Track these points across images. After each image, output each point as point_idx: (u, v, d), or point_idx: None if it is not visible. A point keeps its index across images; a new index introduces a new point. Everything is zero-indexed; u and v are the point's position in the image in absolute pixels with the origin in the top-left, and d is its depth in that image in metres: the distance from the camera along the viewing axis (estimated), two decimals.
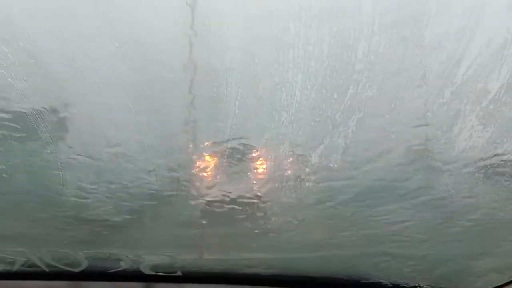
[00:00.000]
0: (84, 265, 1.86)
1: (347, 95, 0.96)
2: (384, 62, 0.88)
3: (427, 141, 1.06)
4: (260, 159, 1.19)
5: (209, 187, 1.39)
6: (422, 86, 0.94)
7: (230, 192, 1.39)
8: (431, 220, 1.41)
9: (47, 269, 1.87)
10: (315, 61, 0.88)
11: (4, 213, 1.49)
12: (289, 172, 1.22)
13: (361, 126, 1.04)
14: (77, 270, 1.88)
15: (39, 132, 1.16)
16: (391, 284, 1.85)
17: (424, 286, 1.76)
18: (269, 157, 1.18)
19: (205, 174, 1.35)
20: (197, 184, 1.39)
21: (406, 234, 1.49)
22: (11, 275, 1.88)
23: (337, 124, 1.04)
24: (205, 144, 1.20)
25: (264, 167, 1.22)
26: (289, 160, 1.18)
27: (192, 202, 1.46)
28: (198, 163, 1.30)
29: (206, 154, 1.26)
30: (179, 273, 1.92)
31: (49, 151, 1.23)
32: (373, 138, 1.08)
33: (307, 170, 1.21)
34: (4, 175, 1.28)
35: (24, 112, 1.08)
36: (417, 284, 1.79)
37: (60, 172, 1.30)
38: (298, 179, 1.25)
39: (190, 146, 1.21)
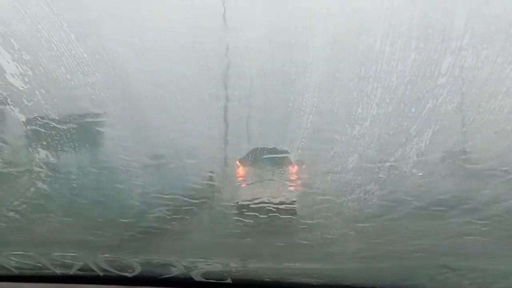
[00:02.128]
0: (137, 270, 1.89)
1: (426, 109, 0.95)
2: (468, 76, 0.87)
3: (503, 157, 1.04)
4: (327, 171, 1.19)
5: (266, 197, 1.39)
6: (504, 100, 0.92)
7: (290, 203, 1.40)
8: (495, 234, 1.38)
9: (101, 274, 1.91)
10: (396, 76, 0.88)
11: (69, 221, 1.54)
12: (355, 184, 1.22)
13: (436, 139, 1.03)
14: (130, 275, 1.92)
15: (108, 142, 1.20)
16: None
17: None
18: (335, 169, 1.18)
19: (264, 184, 1.36)
20: (252, 193, 1.40)
21: (468, 247, 1.46)
22: (68, 278, 1.93)
23: (411, 137, 1.03)
24: (270, 156, 1.21)
25: (329, 179, 1.22)
26: (356, 173, 1.17)
27: (245, 212, 1.47)
28: (258, 174, 1.31)
29: (269, 166, 1.27)
30: (229, 281, 1.93)
31: (117, 161, 1.26)
32: (446, 150, 1.07)
33: (374, 182, 1.20)
34: (74, 184, 1.33)
35: (96, 121, 1.12)
36: None
37: (126, 180, 1.33)
38: (363, 192, 1.24)
39: (253, 155, 1.23)
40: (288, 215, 1.44)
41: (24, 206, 1.43)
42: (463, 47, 0.80)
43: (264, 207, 1.43)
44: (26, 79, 0.91)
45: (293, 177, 1.26)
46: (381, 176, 1.17)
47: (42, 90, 0.93)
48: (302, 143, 1.09)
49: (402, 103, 0.93)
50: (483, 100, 0.91)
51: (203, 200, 1.41)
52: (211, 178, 1.34)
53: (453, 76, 0.86)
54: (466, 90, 0.89)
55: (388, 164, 1.12)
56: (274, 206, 1.41)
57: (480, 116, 0.96)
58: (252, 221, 1.51)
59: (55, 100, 0.97)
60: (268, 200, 1.40)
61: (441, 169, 1.12)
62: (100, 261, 1.84)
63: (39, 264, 1.83)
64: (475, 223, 1.27)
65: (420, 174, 1.15)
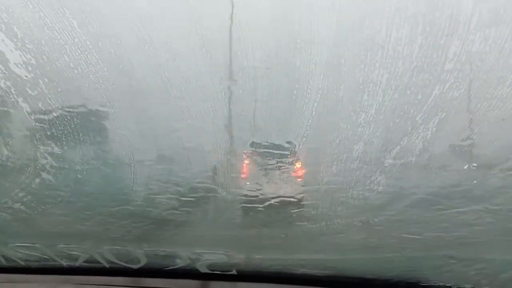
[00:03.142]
0: (143, 262, 1.90)
1: (432, 95, 0.94)
2: (476, 61, 0.85)
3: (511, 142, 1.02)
4: (332, 159, 1.18)
5: (272, 188, 1.39)
6: None
7: (294, 194, 1.39)
8: (503, 224, 1.37)
9: (107, 265, 1.92)
10: (403, 62, 0.87)
11: (74, 212, 1.54)
12: (360, 173, 1.21)
13: (442, 126, 1.02)
14: (136, 266, 1.93)
15: (113, 132, 1.19)
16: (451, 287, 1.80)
17: None
18: (341, 158, 1.17)
19: (269, 175, 1.35)
20: (258, 184, 1.39)
21: (474, 237, 1.45)
22: (73, 270, 1.95)
23: (417, 125, 1.02)
24: (275, 146, 1.20)
25: (334, 168, 1.21)
26: (361, 161, 1.16)
27: (250, 203, 1.46)
28: (262, 165, 1.30)
29: (273, 156, 1.26)
30: (234, 272, 1.93)
31: (122, 152, 1.26)
32: (453, 138, 1.05)
33: (379, 171, 1.19)
34: (79, 175, 1.33)
35: (101, 113, 1.11)
36: None
37: (131, 171, 1.33)
38: (368, 181, 1.23)
39: (258, 145, 1.22)
40: (293, 205, 1.44)
41: (29, 197, 1.43)
42: (470, 31, 0.79)
43: (269, 198, 1.42)
44: (30, 68, 0.90)
45: (298, 167, 1.25)
46: (386, 165, 1.16)
47: (46, 79, 0.93)
48: (307, 132, 1.08)
49: (408, 89, 0.92)
50: (491, 86, 0.90)
51: (208, 191, 1.41)
52: (215, 170, 1.33)
53: (461, 61, 0.85)
54: (474, 76, 0.88)
55: (394, 152, 1.11)
56: (279, 197, 1.41)
57: (487, 103, 0.94)
58: (256, 212, 1.51)
59: (59, 90, 0.96)
60: (273, 191, 1.39)
61: (447, 158, 1.11)
62: (106, 253, 1.85)
63: (45, 256, 1.85)
64: (482, 213, 1.27)
65: (426, 162, 1.14)
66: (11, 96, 0.98)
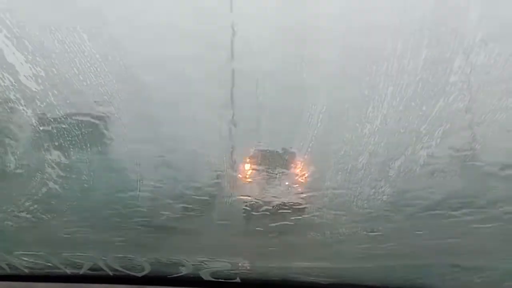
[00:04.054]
0: (147, 269, 1.91)
1: (436, 107, 0.95)
2: (481, 74, 0.86)
3: None
4: (337, 169, 1.19)
5: (277, 196, 1.40)
6: None
7: (298, 202, 1.40)
8: (507, 232, 1.37)
9: (111, 273, 1.93)
10: (408, 74, 0.88)
11: (79, 221, 1.55)
12: (365, 182, 1.22)
13: (447, 137, 1.03)
14: (140, 274, 1.93)
15: (120, 143, 1.20)
16: None
17: None
18: (346, 168, 1.18)
19: (273, 183, 1.36)
20: (262, 192, 1.40)
21: (479, 245, 1.45)
22: (78, 278, 1.96)
23: (422, 136, 1.03)
24: (279, 154, 1.21)
25: (339, 177, 1.22)
26: (366, 172, 1.17)
27: (254, 210, 1.47)
28: (266, 172, 1.31)
29: (278, 164, 1.27)
30: (238, 280, 1.94)
31: (128, 161, 1.27)
32: (458, 148, 1.06)
33: (384, 181, 1.20)
34: (85, 184, 1.34)
35: (109, 123, 1.12)
36: None
37: (137, 180, 1.34)
38: (373, 190, 1.24)
39: (263, 154, 1.23)
40: (297, 214, 1.44)
41: (35, 206, 1.44)
42: (475, 44, 0.80)
43: (273, 206, 1.43)
44: (40, 81, 0.91)
45: (302, 175, 1.26)
46: (390, 174, 1.17)
47: (55, 91, 0.94)
48: (312, 142, 1.09)
49: (413, 101, 0.93)
50: (495, 98, 0.91)
51: (212, 199, 1.42)
52: (219, 177, 1.34)
53: (465, 74, 0.86)
54: (478, 88, 0.89)
55: (398, 163, 1.12)
56: (283, 204, 1.41)
57: (491, 115, 0.95)
58: (260, 220, 1.51)
59: (67, 101, 0.97)
60: (277, 199, 1.40)
61: (451, 168, 1.12)
62: (110, 261, 1.86)
63: (49, 264, 1.85)
64: (486, 222, 1.27)
65: (430, 173, 1.15)
66: (20, 107, 0.99)
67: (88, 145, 1.18)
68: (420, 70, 0.87)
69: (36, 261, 1.86)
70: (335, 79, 0.91)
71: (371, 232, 1.44)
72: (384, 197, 1.26)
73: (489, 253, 1.47)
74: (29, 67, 0.88)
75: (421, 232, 1.40)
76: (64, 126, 1.07)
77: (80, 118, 1.07)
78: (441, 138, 1.03)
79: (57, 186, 1.32)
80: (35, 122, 1.06)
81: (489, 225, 1.32)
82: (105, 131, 1.14)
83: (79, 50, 0.85)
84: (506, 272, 1.57)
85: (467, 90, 0.90)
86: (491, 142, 1.03)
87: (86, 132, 1.14)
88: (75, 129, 1.09)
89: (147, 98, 1.05)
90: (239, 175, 1.32)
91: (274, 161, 1.25)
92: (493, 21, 0.77)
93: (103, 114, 1.08)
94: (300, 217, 1.45)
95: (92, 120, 1.09)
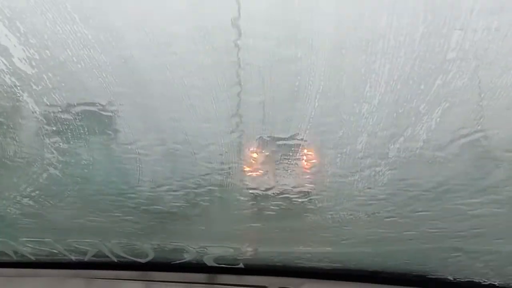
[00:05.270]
0: (150, 256, 1.92)
1: (435, 85, 0.93)
2: (479, 50, 0.84)
3: None
4: (336, 152, 1.18)
5: (277, 181, 1.39)
6: None
7: (299, 187, 1.39)
8: (509, 215, 1.35)
9: (115, 259, 1.95)
10: (404, 51, 0.86)
11: (82, 207, 1.56)
12: (364, 164, 1.20)
13: (446, 117, 1.01)
14: (144, 260, 1.95)
15: (118, 127, 1.20)
16: (457, 280, 1.79)
17: (497, 283, 1.70)
18: (345, 150, 1.17)
19: (273, 169, 1.35)
20: (263, 177, 1.39)
21: (481, 229, 1.44)
22: (82, 264, 1.98)
23: (421, 115, 1.01)
24: (279, 136, 1.20)
25: (338, 160, 1.21)
26: (365, 153, 1.16)
27: (256, 196, 1.47)
28: (265, 157, 1.30)
29: (276, 148, 1.27)
30: (241, 265, 1.95)
31: (128, 146, 1.27)
32: (457, 128, 1.05)
33: (383, 163, 1.19)
34: (85, 170, 1.34)
35: (104, 107, 1.12)
36: (488, 281, 1.73)
37: (138, 166, 1.34)
38: (373, 172, 1.23)
39: (263, 138, 1.22)
40: (298, 198, 1.44)
41: (37, 192, 1.45)
42: (472, 19, 0.78)
43: (274, 191, 1.43)
44: (34, 63, 0.91)
45: (302, 160, 1.25)
46: (390, 156, 1.16)
47: (50, 74, 0.94)
48: (310, 124, 1.08)
49: (410, 79, 0.92)
50: (495, 76, 0.89)
51: (214, 185, 1.42)
52: (221, 163, 1.34)
53: (463, 50, 0.84)
54: (477, 65, 0.87)
55: (398, 144, 1.11)
56: (284, 190, 1.41)
57: (491, 92, 0.94)
58: (262, 205, 1.51)
59: (62, 84, 0.97)
60: (278, 184, 1.39)
61: (452, 149, 1.10)
62: (114, 247, 1.87)
63: (54, 250, 1.87)
64: (488, 205, 1.26)
65: (431, 153, 1.14)
66: (16, 91, 0.99)
67: (87, 129, 1.18)
68: (417, 47, 0.85)
69: (41, 248, 1.88)
70: (330, 57, 0.89)
71: (372, 215, 1.43)
72: (384, 179, 1.25)
73: (491, 237, 1.46)
74: (22, 49, 0.88)
75: (422, 216, 1.39)
76: (60, 110, 1.07)
77: (77, 102, 1.07)
78: (441, 117, 1.01)
79: (57, 172, 1.32)
80: (32, 108, 1.06)
81: (491, 208, 1.31)
82: (104, 115, 1.14)
83: (71, 30, 0.84)
84: (508, 255, 1.56)
85: (465, 67, 0.88)
86: (492, 121, 1.01)
87: (84, 116, 1.14)
88: (72, 113, 1.09)
89: (146, 82, 1.05)
90: (240, 161, 1.32)
91: (273, 147, 1.24)
92: None
93: (99, 98, 1.07)
94: (301, 202, 1.44)
95: (89, 104, 1.09)
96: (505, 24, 0.81)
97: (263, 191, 1.43)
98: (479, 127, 1.05)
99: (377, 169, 1.21)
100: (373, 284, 1.87)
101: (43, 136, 1.18)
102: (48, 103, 1.04)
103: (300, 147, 1.21)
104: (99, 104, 1.10)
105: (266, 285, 1.94)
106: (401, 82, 0.93)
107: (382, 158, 1.17)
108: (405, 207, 1.37)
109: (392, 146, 1.12)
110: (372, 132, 1.08)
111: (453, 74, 0.90)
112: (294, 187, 1.36)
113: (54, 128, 1.14)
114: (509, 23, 0.81)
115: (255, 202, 1.51)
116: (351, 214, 1.44)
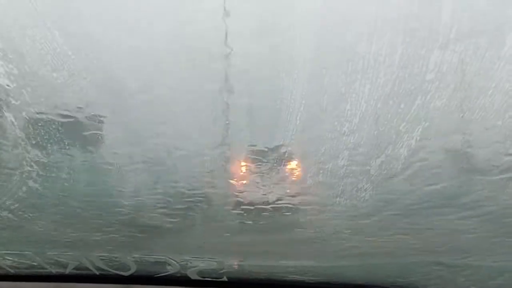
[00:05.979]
0: (133, 269, 1.90)
1: (414, 105, 0.94)
2: (457, 72, 0.86)
3: (496, 154, 1.03)
4: (318, 168, 1.19)
5: (261, 194, 1.39)
6: (493, 96, 0.91)
7: (281, 201, 1.39)
8: (491, 231, 1.37)
9: (97, 272, 1.92)
10: (384, 72, 0.87)
11: (62, 220, 1.54)
12: (346, 182, 1.21)
13: (426, 135, 1.02)
14: (126, 273, 1.92)
15: (99, 139, 1.19)
16: None
17: None
18: (326, 167, 1.17)
19: (255, 181, 1.35)
20: (245, 191, 1.39)
21: (463, 243, 1.45)
22: (63, 277, 1.95)
23: (401, 134, 1.02)
24: (260, 151, 1.20)
25: (320, 177, 1.22)
26: (347, 170, 1.17)
27: (240, 209, 1.46)
28: (249, 170, 1.30)
29: (259, 162, 1.27)
30: (225, 279, 1.93)
31: (109, 158, 1.26)
32: (438, 147, 1.06)
33: (365, 179, 1.19)
34: (66, 184, 1.33)
35: (85, 120, 1.11)
36: None
37: (120, 179, 1.32)
38: (355, 189, 1.23)
39: (248, 151, 1.22)
40: (281, 212, 1.44)
41: (16, 205, 1.43)
42: (450, 41, 0.79)
43: (257, 205, 1.42)
44: (12, 78, 0.90)
45: (284, 175, 1.25)
46: (372, 173, 1.17)
47: (29, 89, 0.93)
48: (292, 141, 1.09)
49: (390, 99, 0.93)
50: (473, 96, 0.91)
51: (198, 197, 1.41)
52: (204, 176, 1.33)
53: (441, 72, 0.86)
54: (455, 86, 0.88)
55: (379, 161, 1.12)
56: (267, 204, 1.41)
57: (470, 113, 0.95)
58: (246, 219, 1.51)
59: (42, 99, 0.96)
60: (261, 198, 1.39)
61: (432, 166, 1.12)
62: (96, 260, 1.85)
63: (34, 263, 1.84)
64: (469, 220, 1.27)
65: (412, 170, 1.15)
66: None
67: (67, 143, 1.17)
68: (396, 67, 0.86)
69: (21, 261, 1.84)
70: (313, 76, 0.90)
71: (354, 230, 1.44)
72: (366, 195, 1.26)
73: (474, 252, 1.47)
74: (1, 64, 0.87)
75: (404, 231, 1.40)
76: (40, 124, 1.05)
77: (56, 116, 1.06)
78: (421, 136, 1.02)
79: (37, 185, 1.30)
80: (11, 121, 1.05)
81: (473, 223, 1.32)
82: (84, 129, 1.13)
83: (51, 47, 0.83)
84: (490, 270, 1.57)
85: (444, 88, 0.89)
86: (471, 140, 1.03)
87: (64, 130, 1.12)
88: (52, 127, 1.08)
89: (128, 95, 1.04)
90: (223, 175, 1.32)
91: (257, 160, 1.24)
92: (467, 17, 0.76)
93: (80, 112, 1.06)
94: (284, 216, 1.44)
95: (69, 118, 1.08)
96: (483, 45, 0.82)
97: (246, 205, 1.43)
98: (458, 146, 1.06)
99: (359, 185, 1.22)
100: None
101: (22, 149, 1.16)
102: (27, 117, 1.03)
103: (283, 161, 1.21)
104: (80, 117, 1.08)
105: None
106: (382, 102, 0.94)
107: (364, 175, 1.18)
108: (387, 222, 1.37)
109: (374, 163, 1.13)
110: (353, 149, 1.09)
111: (432, 94, 0.91)
112: (275, 201, 1.36)
113: (33, 142, 1.13)
114: (486, 45, 0.83)
115: (238, 215, 1.50)
116: (334, 229, 1.44)
